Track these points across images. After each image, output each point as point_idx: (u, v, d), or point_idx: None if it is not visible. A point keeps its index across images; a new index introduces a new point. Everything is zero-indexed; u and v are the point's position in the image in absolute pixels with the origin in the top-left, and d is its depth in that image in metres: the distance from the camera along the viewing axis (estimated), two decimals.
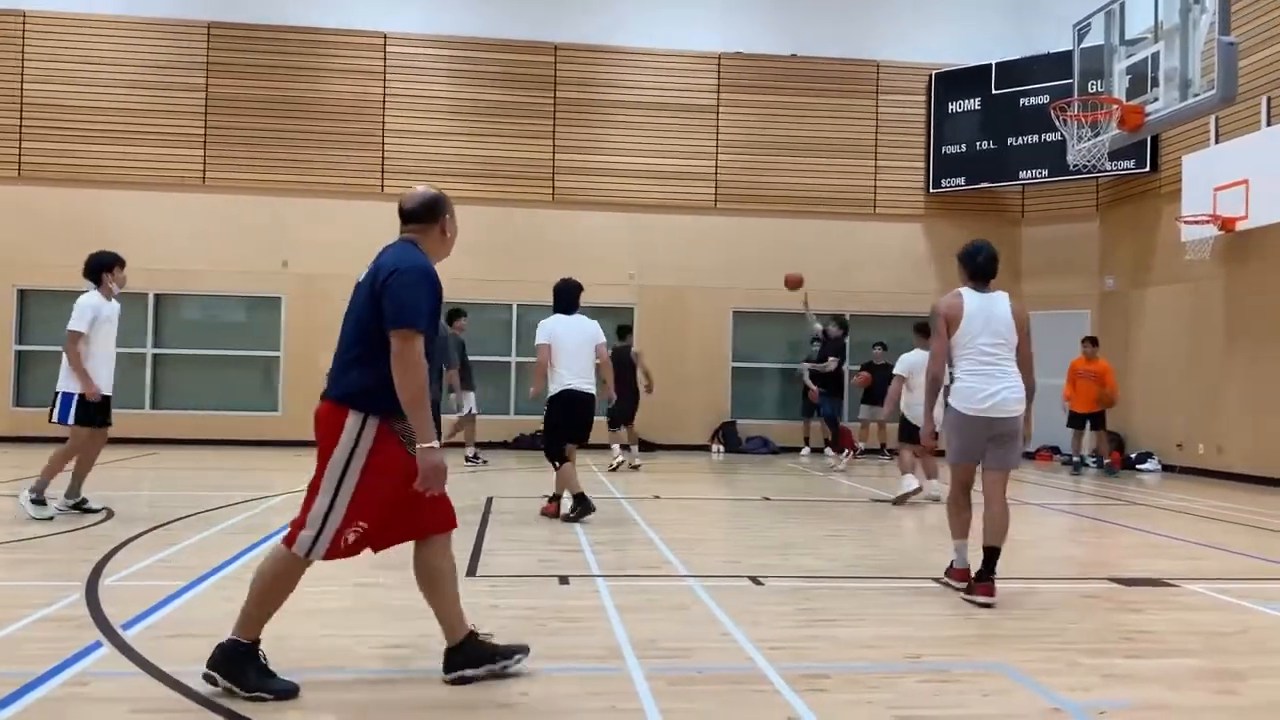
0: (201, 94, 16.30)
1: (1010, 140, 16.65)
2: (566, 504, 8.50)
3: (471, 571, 5.99)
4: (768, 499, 10.74)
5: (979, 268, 5.88)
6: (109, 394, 7.93)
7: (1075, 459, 14.63)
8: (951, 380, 5.97)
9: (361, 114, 16.58)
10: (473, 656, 3.98)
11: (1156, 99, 11.44)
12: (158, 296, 15.90)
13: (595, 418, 8.71)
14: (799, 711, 3.72)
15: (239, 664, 3.72)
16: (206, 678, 3.74)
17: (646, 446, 15.95)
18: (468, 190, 16.58)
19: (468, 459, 13.37)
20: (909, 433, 10.63)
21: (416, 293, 3.70)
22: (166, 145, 16.19)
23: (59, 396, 7.77)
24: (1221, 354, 13.92)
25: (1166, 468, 14.81)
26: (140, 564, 6.22)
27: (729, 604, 5.39)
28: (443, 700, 3.83)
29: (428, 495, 3.76)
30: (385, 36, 16.69)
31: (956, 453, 5.89)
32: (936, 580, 6.12)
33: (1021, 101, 16.47)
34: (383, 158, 16.63)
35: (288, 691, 3.74)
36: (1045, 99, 15.04)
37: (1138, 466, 15.01)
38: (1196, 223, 13.38)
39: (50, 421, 7.89)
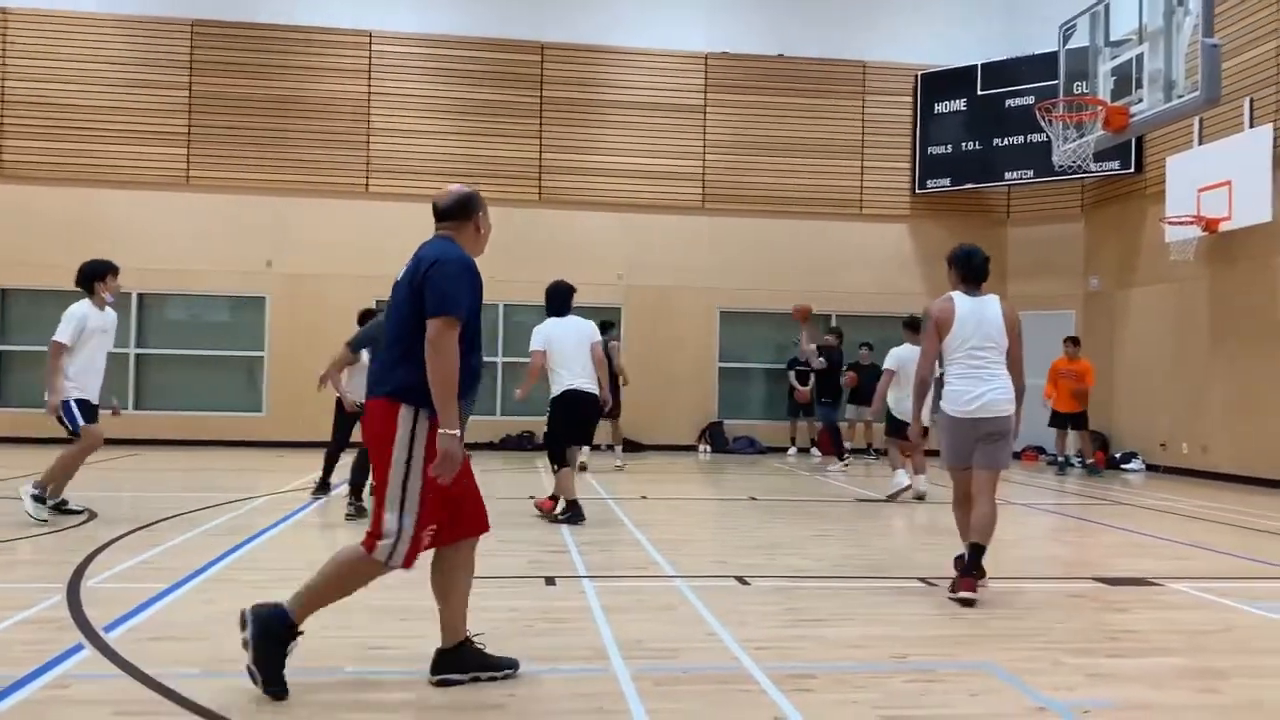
0: (185, 92, 16.21)
1: (996, 141, 16.71)
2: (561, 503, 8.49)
3: None
4: (754, 499, 10.74)
5: (974, 271, 5.95)
6: (96, 403, 7.81)
7: (1060, 459, 14.70)
8: (940, 383, 6.02)
9: (347, 113, 16.52)
10: (462, 663, 3.97)
11: (1141, 100, 11.50)
12: (141, 296, 15.79)
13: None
14: (785, 711, 3.72)
15: (275, 635, 3.74)
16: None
17: (634, 447, 15.96)
18: None
19: None
20: (897, 428, 10.68)
21: (458, 283, 3.78)
22: (150, 144, 16.09)
23: (60, 408, 7.59)
24: (1205, 354, 14.00)
25: (1151, 467, 14.89)
26: (122, 566, 6.18)
27: (715, 604, 5.38)
28: (429, 702, 3.81)
29: (439, 483, 3.76)
30: (371, 35, 16.63)
31: (950, 456, 5.94)
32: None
33: (1007, 102, 16.54)
34: (368, 157, 16.58)
35: (277, 694, 3.72)
36: (1031, 100, 15.09)
37: (1122, 466, 15.08)
38: (1180, 224, 13.46)
39: (69, 434, 7.75)
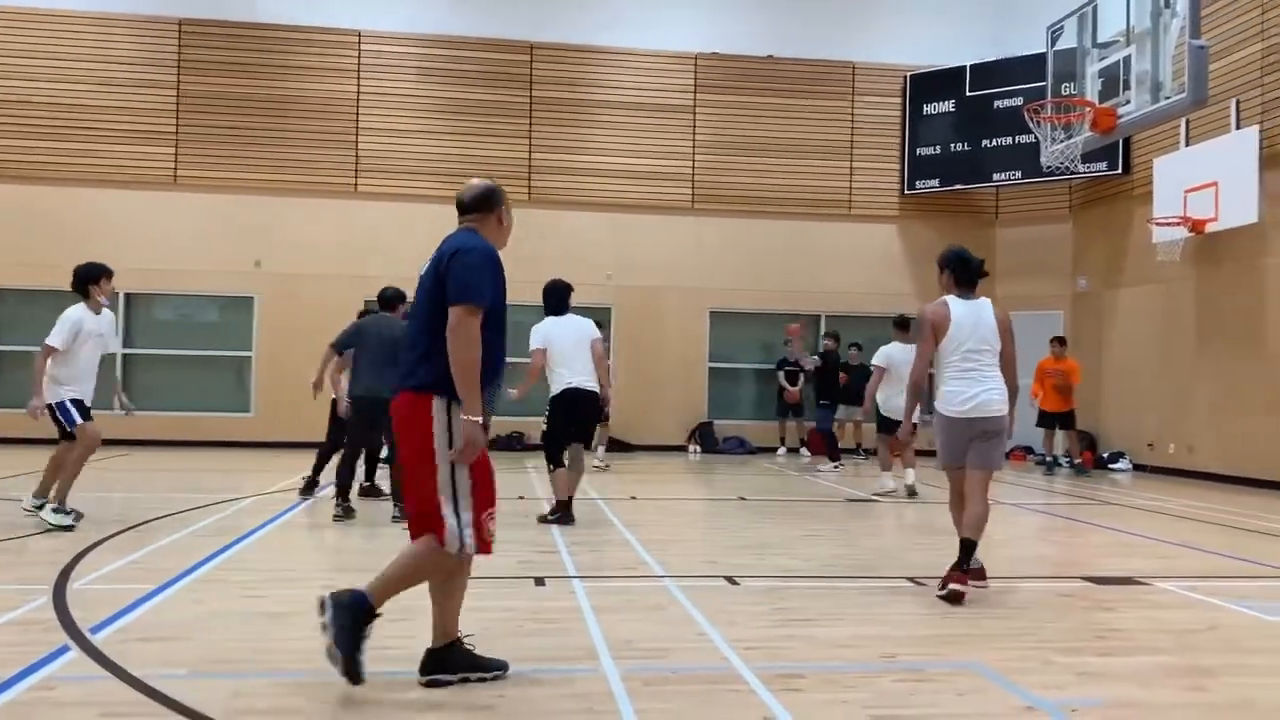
0: (173, 91, 16.13)
1: (984, 142, 16.76)
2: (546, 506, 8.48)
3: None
4: (744, 499, 10.75)
5: (970, 274, 6.03)
6: (88, 405, 7.72)
7: (1048, 459, 14.76)
8: (930, 384, 6.10)
9: (336, 112, 16.47)
10: (452, 663, 3.97)
11: (1128, 101, 11.56)
12: (129, 296, 15.69)
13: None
14: (774, 711, 3.72)
15: (356, 618, 3.76)
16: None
17: (623, 447, 15.97)
18: (442, 190, 16.48)
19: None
20: (887, 427, 10.84)
21: (481, 273, 3.86)
22: (137, 143, 16.02)
23: (58, 409, 7.53)
24: (1192, 354, 14.07)
25: (1138, 467, 14.96)
26: (109, 566, 6.14)
27: (705, 604, 5.38)
28: (417, 702, 3.80)
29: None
30: (360, 34, 16.58)
31: (945, 455, 6.02)
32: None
33: (995, 103, 16.59)
34: (357, 156, 16.53)
35: (355, 676, 3.74)
36: (1019, 101, 15.16)
37: (1109, 466, 15.15)
38: (1167, 224, 13.52)
39: (63, 436, 7.66)
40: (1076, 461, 14.54)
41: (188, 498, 9.34)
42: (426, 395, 3.83)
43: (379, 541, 7.41)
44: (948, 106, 17.15)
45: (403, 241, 16.09)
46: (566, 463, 8.34)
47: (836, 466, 14.12)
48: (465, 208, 4.17)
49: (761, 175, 17.35)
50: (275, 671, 4.12)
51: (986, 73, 16.74)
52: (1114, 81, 11.81)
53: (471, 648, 4.05)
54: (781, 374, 16.61)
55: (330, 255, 16.06)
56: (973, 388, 5.84)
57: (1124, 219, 15.57)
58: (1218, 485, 12.95)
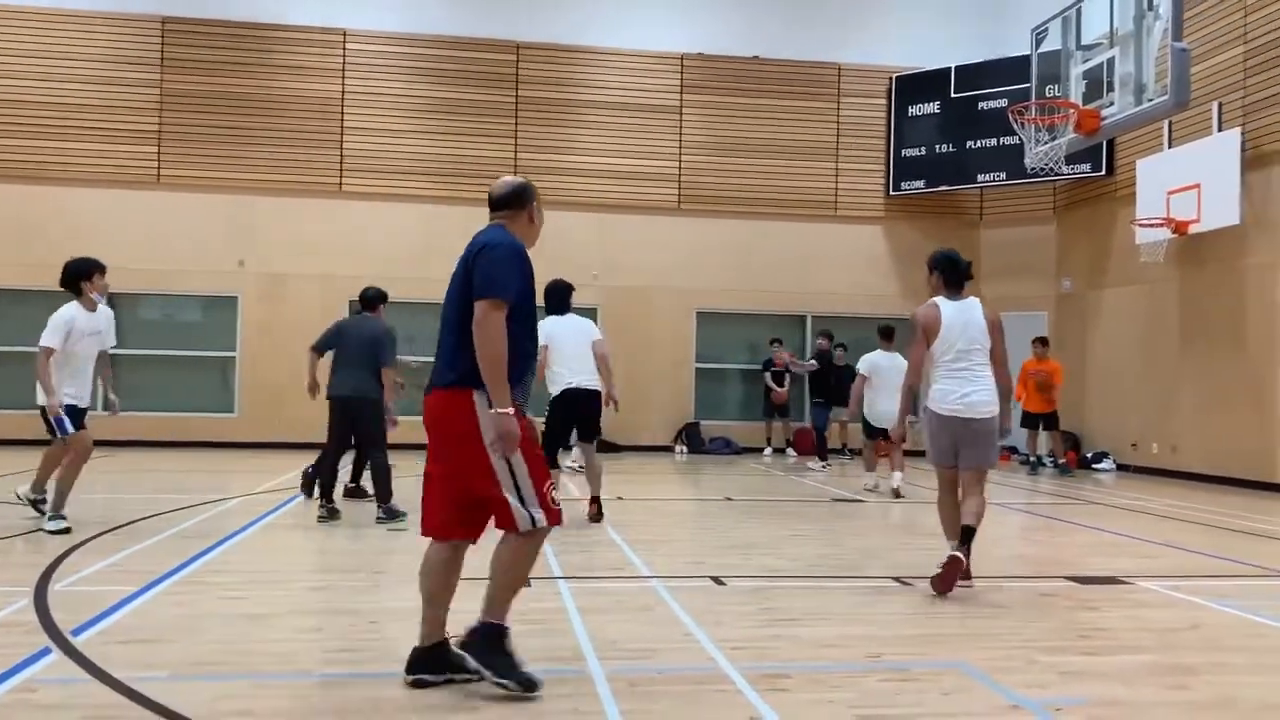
0: (156, 90, 16.04)
1: (969, 143, 16.83)
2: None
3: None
4: (730, 499, 10.76)
5: (959, 276, 6.13)
6: (85, 406, 7.57)
7: (1032, 459, 14.82)
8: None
9: (320, 111, 16.40)
10: (438, 664, 3.95)
11: (1112, 103, 11.63)
12: (111, 295, 15.52)
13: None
14: (761, 712, 3.72)
15: (495, 646, 3.86)
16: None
17: (610, 448, 15.94)
18: (428, 189, 16.49)
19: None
20: (872, 432, 11.22)
21: (506, 268, 3.86)
22: (120, 142, 15.91)
23: (59, 408, 7.33)
24: (1175, 355, 14.15)
25: (1121, 467, 15.04)
26: (92, 568, 6.10)
27: (691, 605, 5.38)
28: (402, 703, 3.77)
29: (525, 447, 3.86)
30: (345, 33, 16.52)
31: (935, 453, 6.11)
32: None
33: (980, 105, 16.66)
34: (341, 156, 16.47)
35: (531, 683, 3.81)
36: (1004, 103, 15.23)
37: (1093, 466, 15.23)
38: (1150, 226, 13.60)
39: (54, 440, 7.52)
40: (1060, 461, 14.60)
41: (171, 499, 9.28)
42: (465, 391, 3.84)
43: (363, 543, 7.38)
44: (933, 108, 17.20)
45: (388, 241, 16.07)
46: (575, 464, 8.33)
47: (825, 466, 14.17)
48: (496, 204, 4.18)
49: (748, 176, 17.37)
50: (257, 674, 4.09)
51: (971, 74, 16.81)
52: (1098, 83, 11.88)
53: (459, 639, 4.03)
54: (768, 375, 16.63)
55: (315, 255, 15.99)
56: (963, 387, 5.95)
57: (1107, 220, 15.65)
58: (1201, 485, 13.03)
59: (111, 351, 8.12)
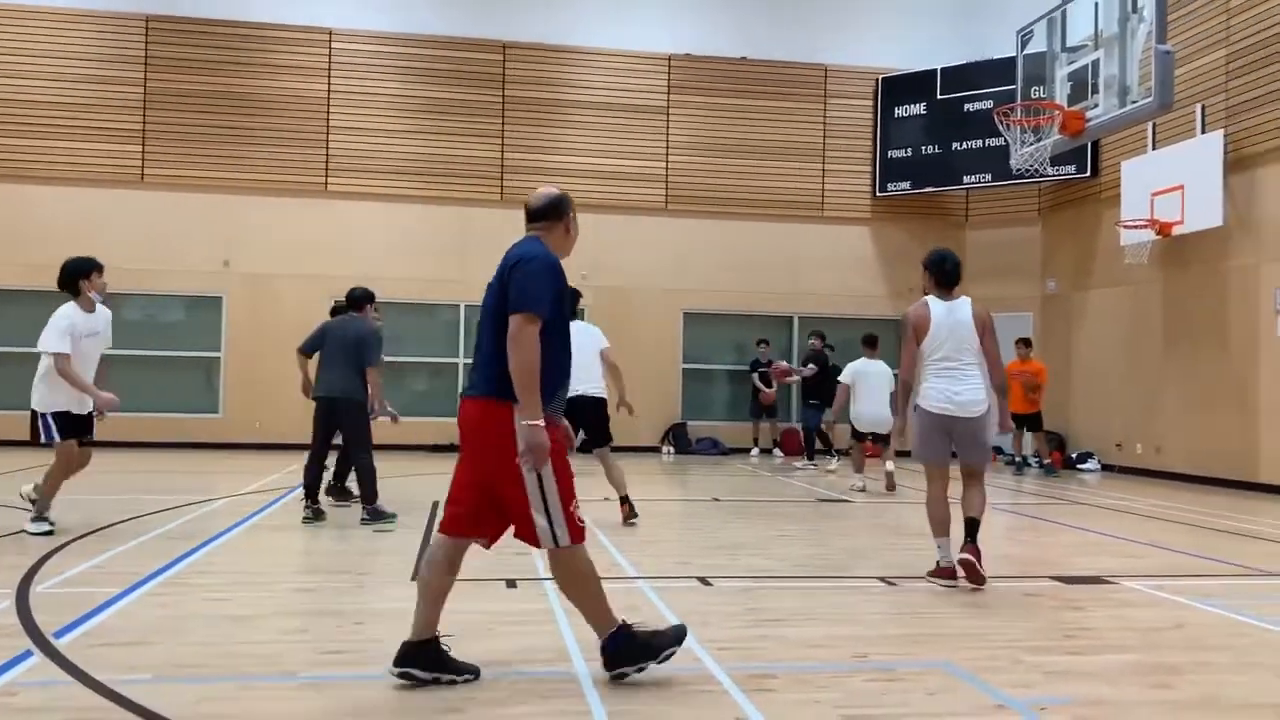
0: (140, 88, 15.94)
1: (955, 145, 16.89)
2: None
3: (417, 575, 5.91)
4: (717, 500, 10.76)
5: (946, 276, 6.21)
6: (83, 413, 7.45)
7: (1017, 459, 14.89)
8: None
9: (306, 111, 16.34)
10: (427, 660, 3.94)
11: (1097, 105, 11.69)
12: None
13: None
14: (746, 712, 3.71)
15: (632, 647, 4.00)
16: (618, 676, 4.00)
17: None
18: (414, 189, 16.44)
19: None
20: (859, 436, 11.72)
21: (540, 281, 3.92)
22: (103, 141, 15.81)
23: (40, 419, 7.26)
24: (1160, 356, 14.23)
25: (1106, 467, 15.12)
26: (74, 570, 6.05)
27: (678, 605, 5.38)
28: (388, 705, 3.76)
29: (558, 461, 3.91)
30: (331, 33, 16.46)
31: (925, 451, 6.18)
32: (926, 578, 6.16)
33: (966, 106, 16.72)
34: (327, 155, 16.40)
35: (679, 633, 4.11)
36: (989, 104, 15.30)
37: (1078, 466, 15.30)
38: (1135, 227, 13.68)
39: (39, 444, 7.40)
40: (1045, 462, 14.67)
41: (155, 500, 9.23)
42: (504, 404, 3.86)
43: (348, 544, 7.35)
44: (919, 109, 17.26)
45: (373, 241, 16.01)
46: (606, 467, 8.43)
47: (815, 465, 14.25)
48: (533, 215, 4.22)
49: (735, 177, 17.39)
50: (241, 675, 4.07)
51: (957, 76, 16.87)
52: (1082, 85, 11.94)
53: (447, 649, 4.03)
54: (756, 375, 16.65)
55: (300, 255, 15.92)
56: (954, 385, 6.03)
57: (1092, 221, 15.73)
58: (1185, 485, 13.11)
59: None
